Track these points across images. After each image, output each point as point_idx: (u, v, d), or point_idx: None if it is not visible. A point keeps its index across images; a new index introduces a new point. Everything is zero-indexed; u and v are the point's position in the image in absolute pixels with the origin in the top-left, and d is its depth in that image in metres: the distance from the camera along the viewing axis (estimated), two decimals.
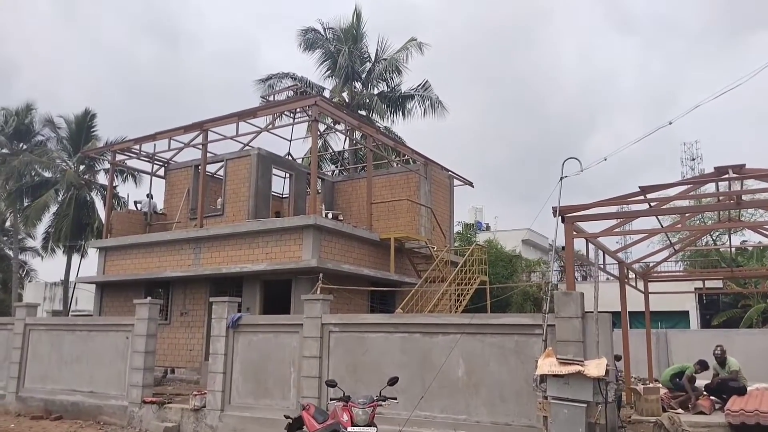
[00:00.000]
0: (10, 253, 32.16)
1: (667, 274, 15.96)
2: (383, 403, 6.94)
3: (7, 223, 32.30)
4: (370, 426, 6.57)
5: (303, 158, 23.48)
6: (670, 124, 8.15)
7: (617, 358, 10.17)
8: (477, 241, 22.99)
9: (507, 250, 25.02)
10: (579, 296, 8.03)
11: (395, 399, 7.18)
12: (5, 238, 33.45)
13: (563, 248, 9.22)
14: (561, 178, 8.88)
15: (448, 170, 20.14)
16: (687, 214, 9.66)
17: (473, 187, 21.41)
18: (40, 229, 29.28)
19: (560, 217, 8.89)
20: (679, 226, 11.51)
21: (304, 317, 10.20)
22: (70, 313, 27.50)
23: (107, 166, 23.78)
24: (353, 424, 6.53)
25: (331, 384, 7.16)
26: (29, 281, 35.83)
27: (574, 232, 9.14)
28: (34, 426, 11.88)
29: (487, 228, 37.34)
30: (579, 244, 11.67)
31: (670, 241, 13.47)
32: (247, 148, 18.28)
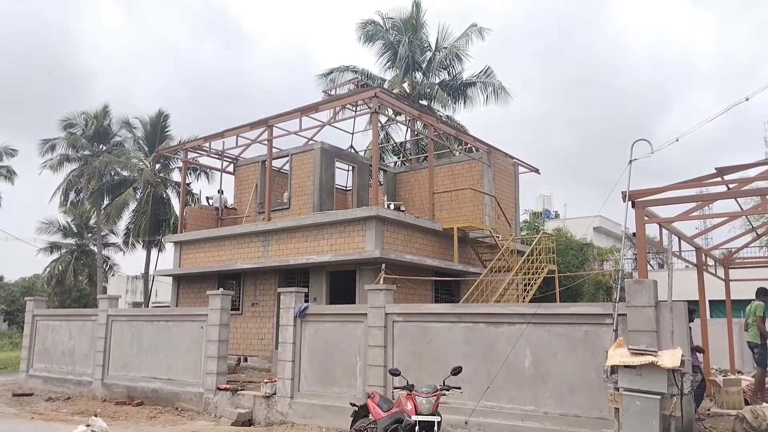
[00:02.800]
0: (95, 249, 34.24)
1: (750, 260, 15.03)
2: (447, 392, 6.93)
3: (91, 221, 34.37)
4: (434, 415, 6.58)
5: (365, 150, 23.64)
6: (747, 100, 7.65)
7: (698, 350, 9.65)
8: (545, 230, 22.44)
9: (577, 238, 24.30)
10: (652, 284, 7.72)
11: (459, 389, 7.16)
12: (90, 235, 35.63)
13: (635, 235, 8.86)
14: (630, 161, 8.53)
15: (513, 157, 19.76)
16: None
17: (539, 173, 20.93)
18: (121, 225, 31.06)
19: (630, 202, 8.55)
20: (761, 209, 10.80)
21: (368, 307, 10.31)
22: (150, 305, 29.05)
23: (180, 164, 24.83)
24: (417, 413, 6.56)
25: (395, 373, 7.22)
26: (112, 275, 38.02)
27: (646, 218, 8.76)
28: (118, 411, 12.65)
29: (556, 216, 36.37)
30: (653, 230, 11.18)
31: (752, 226, 12.64)
32: (310, 142, 18.62)
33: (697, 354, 9.49)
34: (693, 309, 9.65)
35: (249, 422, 11.34)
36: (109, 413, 12.33)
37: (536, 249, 16.76)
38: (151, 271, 29.00)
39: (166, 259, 29.88)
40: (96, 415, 11.02)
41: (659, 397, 6.87)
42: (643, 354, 7.09)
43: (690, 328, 9.19)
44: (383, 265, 12.91)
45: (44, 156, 31.14)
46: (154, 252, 30.05)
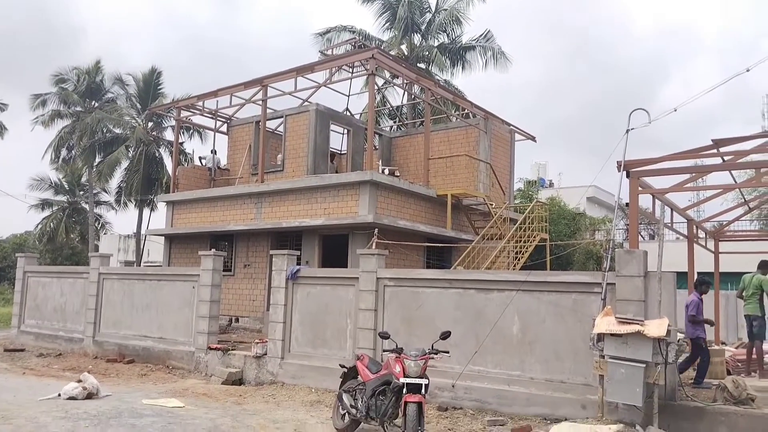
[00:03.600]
0: (87, 206, 34.12)
1: (740, 233, 15.14)
2: (435, 356, 7.03)
3: (83, 179, 34.15)
4: (422, 378, 6.68)
5: (361, 113, 23.43)
6: (748, 71, 7.57)
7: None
8: (538, 199, 22.47)
9: (570, 207, 24.38)
10: (642, 254, 7.78)
11: (447, 353, 7.26)
12: (82, 193, 35.45)
13: (628, 205, 8.89)
14: (627, 131, 8.50)
15: (510, 124, 19.63)
16: (764, 170, 9.06)
17: (535, 141, 20.81)
18: (113, 183, 30.87)
19: (625, 173, 8.55)
20: (755, 182, 10.82)
21: (360, 271, 10.37)
22: (142, 264, 29.12)
23: (173, 122, 24.54)
24: (405, 375, 6.66)
25: (385, 336, 7.30)
26: (104, 233, 38.01)
27: (640, 188, 8.78)
28: (109, 368, 12.80)
29: (551, 185, 36.40)
30: (646, 201, 11.21)
31: (745, 199, 12.69)
32: (306, 103, 18.40)
33: (705, 326, 9.52)
34: (708, 281, 9.70)
35: (239, 381, 11.51)
36: (100, 370, 12.47)
37: (529, 217, 16.79)
38: (143, 231, 28.99)
39: (158, 218, 29.82)
40: (88, 372, 11.15)
41: (644, 365, 6.99)
42: (630, 323, 7.19)
43: (702, 300, 9.29)
44: (376, 230, 12.93)
45: (35, 111, 30.78)
46: (146, 211, 29.99)
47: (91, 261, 15.25)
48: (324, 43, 25.94)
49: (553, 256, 17.25)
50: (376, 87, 19.37)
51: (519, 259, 15.86)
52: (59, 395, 9.46)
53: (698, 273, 11.59)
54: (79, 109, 30.91)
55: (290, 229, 15.37)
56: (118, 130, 29.99)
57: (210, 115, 19.68)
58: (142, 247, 30.09)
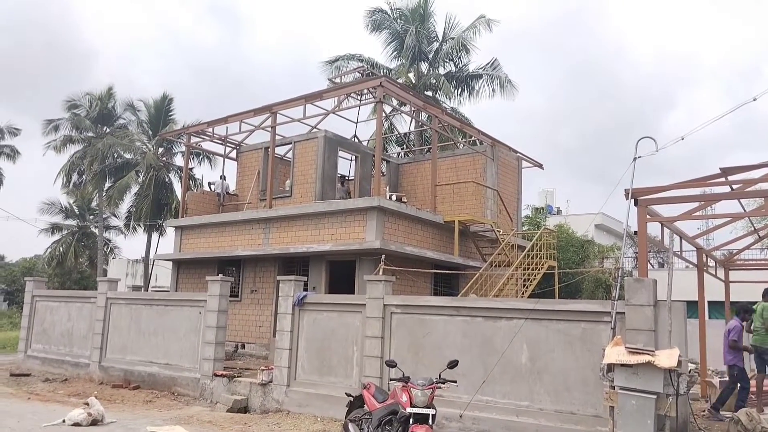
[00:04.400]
0: (96, 231, 34.30)
1: (751, 262, 14.97)
2: (442, 385, 6.93)
3: (93, 203, 34.41)
4: (429, 408, 6.58)
5: (368, 140, 23.59)
6: (755, 100, 7.57)
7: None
8: (546, 226, 22.41)
9: (578, 235, 24.29)
10: (651, 283, 7.70)
11: (455, 382, 7.16)
12: (92, 217, 35.69)
13: (636, 233, 8.83)
14: (634, 159, 8.50)
15: (517, 151, 19.69)
16: None
17: (543, 168, 20.83)
18: (123, 208, 31.08)
19: (633, 200, 8.51)
20: (764, 210, 10.75)
21: (366, 297, 10.31)
22: (150, 289, 29.13)
23: (183, 148, 24.78)
24: (412, 405, 6.56)
25: (391, 364, 7.22)
26: (113, 258, 38.13)
27: (648, 216, 8.72)
28: (114, 394, 12.70)
29: (558, 212, 36.33)
30: (655, 229, 11.13)
31: (755, 227, 12.58)
32: (314, 130, 18.56)
33: (743, 354, 9.34)
34: (751, 309, 9.53)
35: (245, 409, 11.38)
36: (105, 396, 12.38)
37: (537, 244, 16.73)
38: (151, 255, 29.08)
39: (166, 243, 29.91)
40: (95, 398, 11.07)
41: (655, 396, 6.86)
42: (640, 353, 7.08)
43: (743, 327, 9.12)
44: (383, 256, 12.90)
45: (47, 136, 31.19)
46: (155, 236, 30.13)
47: (99, 286, 15.27)
48: (332, 71, 26.26)
49: (561, 284, 17.14)
50: (383, 114, 19.54)
51: (527, 287, 15.75)
52: (63, 421, 9.38)
53: (708, 302, 11.44)
54: (90, 134, 31.30)
55: (297, 255, 15.37)
56: (128, 156, 30.30)
57: (220, 141, 19.87)
58: (150, 272, 30.14)
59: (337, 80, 22.65)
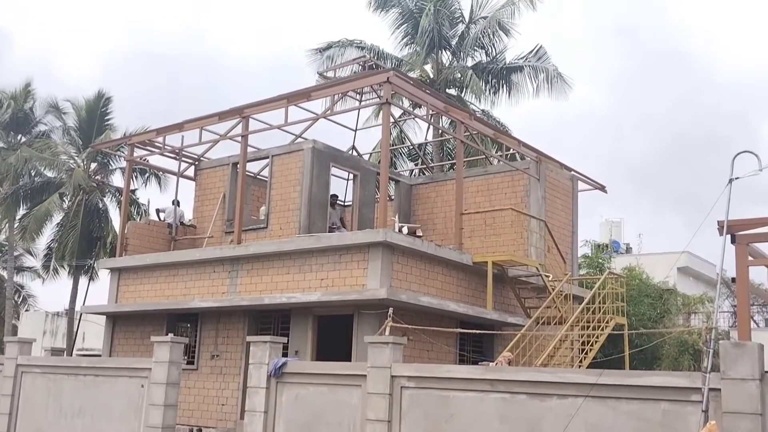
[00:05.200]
0: (4, 274, 34.39)
1: None
2: None
3: (1, 237, 34.57)
4: None
5: (371, 153, 23.74)
6: None
7: None
8: (612, 269, 22.32)
9: (656, 281, 24.19)
10: (756, 348, 7.64)
11: None
12: None
13: (734, 280, 8.79)
14: (730, 180, 8.49)
15: (571, 169, 19.74)
16: None
17: (605, 192, 20.87)
18: (41, 243, 31.20)
19: (729, 236, 8.50)
20: None
21: (368, 366, 10.25)
22: (75, 352, 29.03)
23: (124, 164, 24.97)
24: None
25: None
26: (27, 310, 38.16)
27: (750, 257, 8.71)
28: None
29: (628, 250, 36.25)
30: (759, 274, 11.11)
31: None
32: (299, 140, 18.67)
33: None
34: None
35: None
36: None
37: (599, 294, 16.63)
38: (78, 307, 29.04)
39: (99, 291, 29.78)
40: None
41: None
42: None
43: None
44: (390, 310, 12.81)
45: None
46: (83, 281, 30.14)
47: (7, 348, 15.23)
48: (323, 63, 26.62)
49: (634, 349, 16.97)
50: (392, 119, 19.72)
51: (587, 353, 15.61)
52: None
53: None
54: (0, 144, 31.63)
55: (275, 307, 15.31)
56: (50, 173, 30.56)
57: (173, 155, 20.04)
58: (76, 329, 30.04)
59: (330, 74, 22.94)
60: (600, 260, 25.58)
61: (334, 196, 17.69)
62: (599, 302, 16.57)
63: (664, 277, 23.68)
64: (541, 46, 26.52)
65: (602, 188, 20.57)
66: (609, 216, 38.28)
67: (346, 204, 19.88)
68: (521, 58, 26.75)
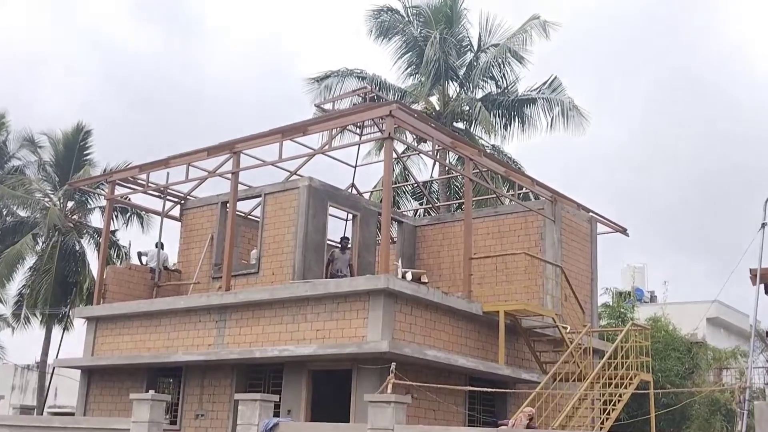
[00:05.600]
0: None
1: None
2: None
3: None
4: None
5: (372, 192, 23.81)
6: None
7: None
8: (635, 319, 22.19)
9: (684, 333, 24.02)
10: None
11: None
12: None
13: None
14: (763, 225, 8.51)
15: (589, 210, 19.74)
16: None
17: (627, 235, 20.81)
18: (12, 289, 30.99)
19: (762, 285, 8.47)
20: None
21: (368, 428, 10.16)
22: (46, 410, 28.75)
23: (104, 202, 25.00)
24: None
25: None
26: None
27: None
28: None
29: (652, 299, 36.05)
30: None
31: None
32: (294, 178, 18.71)
33: None
34: None
35: None
36: None
37: (622, 348, 16.50)
38: (50, 360, 28.82)
39: (73, 342, 29.60)
40: None
41: None
42: None
43: None
44: (393, 365, 12.73)
45: None
46: (56, 331, 29.96)
47: None
48: (321, 93, 26.82)
49: (660, 410, 16.79)
50: (394, 155, 19.78)
51: (609, 413, 15.42)
52: None
53: None
54: None
55: (266, 361, 15.21)
56: (23, 212, 30.56)
57: (157, 193, 20.06)
58: (47, 384, 29.83)
59: (328, 106, 23.13)
60: (622, 310, 25.44)
61: (345, 239, 17.50)
62: (622, 357, 16.43)
63: (692, 329, 23.49)
64: (555, 77, 26.82)
65: (623, 231, 20.54)
66: (631, 261, 38.10)
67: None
68: (534, 90, 27.00)
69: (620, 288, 31.55)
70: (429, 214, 23.60)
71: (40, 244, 29.53)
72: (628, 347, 16.70)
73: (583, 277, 18.82)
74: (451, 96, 27.47)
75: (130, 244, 27.59)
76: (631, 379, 16.24)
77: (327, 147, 18.20)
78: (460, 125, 27.27)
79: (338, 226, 19.47)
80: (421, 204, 26.31)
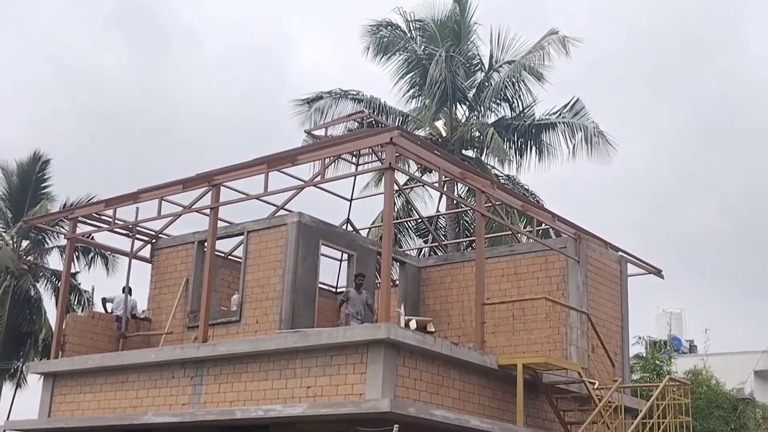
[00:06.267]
0: None
1: None
2: None
3: None
4: None
5: (370, 228, 23.82)
6: None
7: None
8: (672, 373, 22.07)
9: (728, 388, 23.87)
10: None
11: None
12: None
13: None
14: None
15: (618, 248, 19.72)
16: None
17: (662, 277, 20.76)
18: None
19: None
20: None
21: None
22: None
23: (64, 242, 24.97)
24: None
25: None
26: None
27: None
28: None
29: (691, 349, 35.95)
30: None
31: None
32: (281, 213, 18.71)
33: None
34: None
35: None
36: None
37: (658, 406, 16.41)
38: (0, 422, 28.63)
39: (27, 401, 29.41)
40: None
41: None
42: None
43: None
44: (396, 427, 12.65)
45: None
46: (7, 388, 29.79)
47: None
48: (311, 118, 26.93)
49: None
50: (396, 187, 19.80)
51: None
52: None
53: None
54: None
55: (249, 423, 15.09)
56: None
57: (124, 231, 20.03)
58: None
59: (319, 132, 23.18)
60: (657, 362, 25.33)
61: (361, 277, 17.33)
62: (658, 416, 16.38)
63: (738, 384, 23.38)
64: (578, 99, 26.93)
65: (658, 272, 20.48)
66: (667, 306, 38.07)
67: (338, 291, 19.75)
68: (554, 114, 27.06)
69: (655, 337, 31.55)
70: (435, 254, 23.59)
71: None
72: (665, 405, 16.63)
73: (612, 324, 18.75)
74: (459, 120, 27.62)
75: (93, 289, 27.55)
76: None
77: (319, 178, 18.23)
78: (470, 153, 27.38)
79: (331, 267, 19.48)
80: (426, 242, 26.32)
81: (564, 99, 27.56)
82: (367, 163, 21.07)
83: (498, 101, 27.57)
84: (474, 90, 27.70)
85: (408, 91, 27.98)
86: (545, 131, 26.99)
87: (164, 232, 20.10)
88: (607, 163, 26.53)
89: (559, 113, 27.01)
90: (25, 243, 30.35)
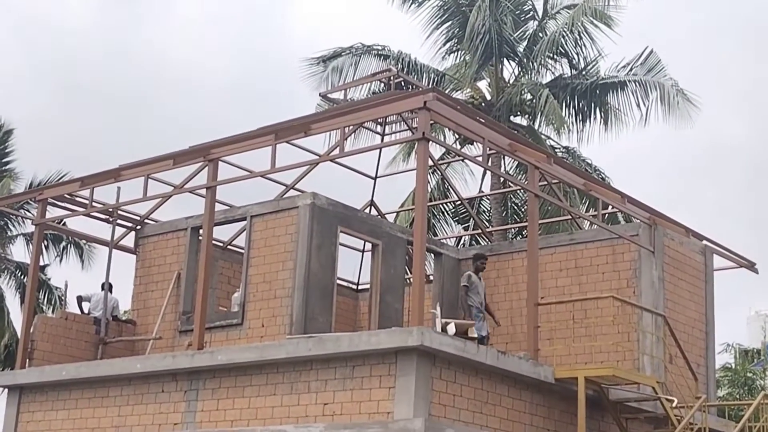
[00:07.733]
0: None
1: None
2: None
3: None
4: None
5: (398, 212, 23.79)
6: None
7: None
8: None
9: None
10: None
11: None
12: None
13: None
14: None
15: (703, 237, 19.59)
16: None
17: (756, 272, 20.59)
18: None
19: None
20: None
21: None
22: None
23: (30, 228, 25.15)
24: None
25: None
26: None
27: None
28: None
29: None
30: None
31: None
32: (291, 194, 18.74)
33: None
34: None
35: None
36: None
37: (751, 428, 16.34)
38: None
39: None
40: None
41: None
42: None
43: None
44: None
45: None
46: None
47: None
48: (327, 79, 26.85)
49: None
50: (430, 162, 19.77)
51: None
52: None
53: None
54: None
55: None
56: None
57: (104, 216, 20.12)
58: None
59: (337, 96, 23.14)
60: (749, 374, 25.23)
61: (483, 258, 17.23)
62: None
63: None
64: (652, 51, 26.55)
65: (751, 266, 20.32)
66: (761, 308, 37.88)
67: (359, 289, 19.78)
68: (623, 68, 26.76)
69: (746, 345, 31.36)
70: (477, 243, 23.53)
71: None
72: (759, 427, 16.55)
73: (695, 330, 18.67)
74: (506, 80, 27.48)
75: (66, 286, 27.61)
76: None
77: (337, 151, 18.18)
78: (520, 120, 27.24)
79: (352, 259, 19.48)
80: (466, 229, 26.27)
81: (633, 52, 27.32)
82: (395, 132, 21.04)
83: (554, 56, 27.36)
84: (525, 43, 27.55)
85: (444, 44, 27.89)
86: (612, 92, 26.73)
87: (151, 216, 20.19)
88: (689, 127, 26.23)
89: (629, 68, 26.72)
90: None
